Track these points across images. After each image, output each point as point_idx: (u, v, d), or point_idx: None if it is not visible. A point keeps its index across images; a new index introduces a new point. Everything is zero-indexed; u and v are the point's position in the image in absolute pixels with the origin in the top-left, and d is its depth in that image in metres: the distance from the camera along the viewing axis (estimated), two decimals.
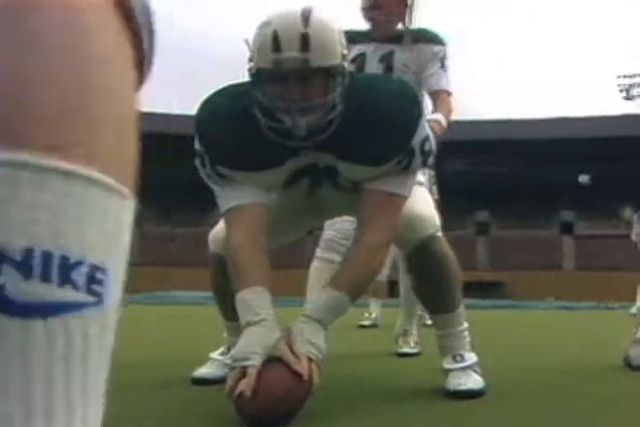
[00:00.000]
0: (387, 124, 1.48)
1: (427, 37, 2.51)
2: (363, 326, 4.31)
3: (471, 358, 1.74)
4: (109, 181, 0.34)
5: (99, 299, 0.33)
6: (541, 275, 23.36)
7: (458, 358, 1.73)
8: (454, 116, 2.52)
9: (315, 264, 2.75)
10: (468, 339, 1.77)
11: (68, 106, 0.33)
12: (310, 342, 1.39)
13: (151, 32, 0.41)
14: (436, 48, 2.51)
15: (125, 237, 0.36)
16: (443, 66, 2.49)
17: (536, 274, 23.29)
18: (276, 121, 1.47)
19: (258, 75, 1.45)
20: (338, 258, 2.62)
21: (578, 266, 24.79)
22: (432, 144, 1.56)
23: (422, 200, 1.75)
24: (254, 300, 1.45)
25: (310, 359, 1.37)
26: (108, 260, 0.34)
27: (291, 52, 1.41)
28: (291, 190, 1.65)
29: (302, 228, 1.94)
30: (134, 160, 0.38)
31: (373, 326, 4.35)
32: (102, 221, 0.34)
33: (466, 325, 1.78)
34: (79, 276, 0.32)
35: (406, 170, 1.53)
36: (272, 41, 1.41)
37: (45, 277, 0.30)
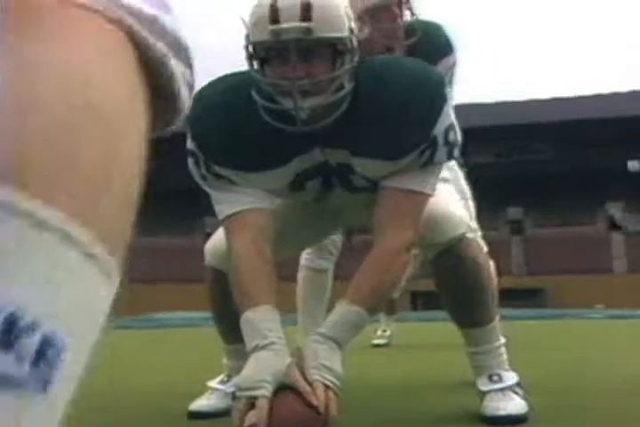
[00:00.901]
0: (405, 111, 1.48)
1: (438, 52, 2.26)
2: (377, 346, 4.24)
3: (511, 377, 1.73)
4: (87, 240, 0.32)
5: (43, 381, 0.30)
6: (588, 279, 23.23)
7: (495, 379, 1.72)
8: (476, 100, 2.48)
9: (302, 275, 2.72)
10: (505, 356, 1.76)
11: (62, 164, 0.32)
12: (325, 367, 1.39)
13: (189, 68, 0.41)
14: (451, 60, 2.30)
15: (99, 314, 0.34)
16: (450, 82, 2.29)
17: (581, 278, 23.17)
18: (276, 103, 1.48)
19: (255, 51, 1.46)
20: (327, 265, 2.63)
21: (631, 268, 24.62)
22: (457, 133, 1.56)
23: (449, 197, 1.75)
24: (262, 320, 1.45)
25: (326, 387, 1.37)
26: (68, 332, 0.31)
27: (291, 22, 1.41)
28: (298, 194, 1.65)
29: (313, 237, 1.94)
30: (127, 231, 0.36)
31: (387, 344, 4.29)
32: (71, 286, 0.32)
33: (502, 340, 1.77)
34: (28, 345, 0.29)
35: (429, 164, 1.53)
36: (270, 11, 1.42)
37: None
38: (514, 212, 26.95)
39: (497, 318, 1.78)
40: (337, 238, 2.62)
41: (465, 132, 1.60)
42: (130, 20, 0.37)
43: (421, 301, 17.12)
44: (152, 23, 0.38)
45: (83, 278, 0.32)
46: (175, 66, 0.40)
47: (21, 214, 0.30)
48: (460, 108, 2.35)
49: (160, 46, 0.38)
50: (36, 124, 0.32)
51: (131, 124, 0.36)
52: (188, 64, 0.41)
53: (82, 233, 0.32)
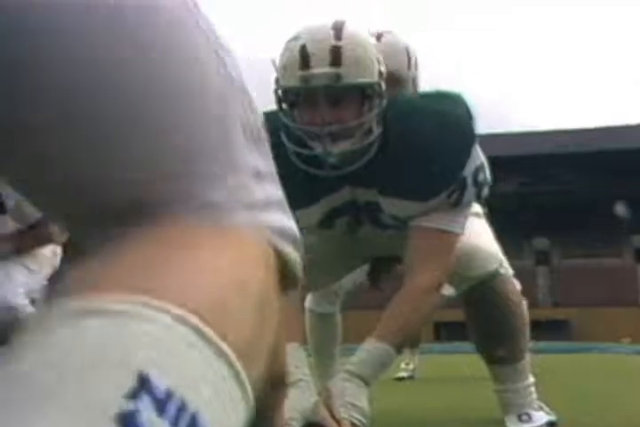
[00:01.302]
0: (433, 153, 1.50)
1: None
2: (400, 379, 4.19)
3: (540, 417, 1.72)
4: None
5: None
6: (614, 312, 22.88)
7: (524, 418, 1.72)
8: (501, 129, 2.48)
9: (309, 319, 2.64)
10: (534, 395, 1.76)
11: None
12: (353, 405, 1.40)
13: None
14: None
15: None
16: None
17: (608, 311, 22.83)
18: (305, 148, 1.50)
19: (284, 95, 1.48)
20: (332, 309, 2.53)
21: None
22: (487, 173, 1.57)
23: (481, 232, 1.76)
24: (288, 358, 1.46)
25: (353, 425, 1.38)
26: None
27: (321, 68, 1.43)
28: (328, 231, 1.67)
29: (344, 268, 1.95)
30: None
31: (411, 378, 4.25)
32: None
33: (532, 379, 1.77)
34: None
35: (458, 204, 1.54)
36: (300, 56, 1.44)
37: (175, 423, 0.32)
38: (540, 242, 26.70)
39: (527, 356, 1.77)
40: (344, 282, 2.52)
41: (489, 161, 1.61)
42: (270, 235, 0.45)
43: (445, 332, 16.95)
44: (282, 233, 0.47)
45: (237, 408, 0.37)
46: (295, 256, 0.49)
47: (209, 342, 0.35)
48: (483, 138, 2.36)
49: (289, 250, 0.47)
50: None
51: (275, 303, 0.44)
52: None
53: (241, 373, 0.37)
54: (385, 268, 2.06)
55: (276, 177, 0.50)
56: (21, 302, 2.60)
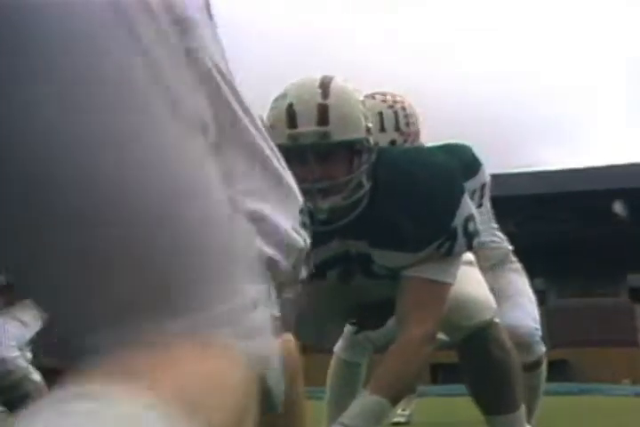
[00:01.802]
0: (422, 205, 1.52)
1: (464, 172, 1.90)
2: (396, 424, 4.13)
3: None
4: None
5: None
6: (612, 352, 22.71)
7: None
8: (497, 170, 2.52)
9: (333, 363, 2.65)
10: None
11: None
12: None
13: None
14: (479, 180, 2.20)
15: None
16: (480, 204, 2.19)
17: (606, 351, 22.66)
18: None
19: None
20: (359, 359, 2.49)
21: None
22: (477, 223, 1.58)
23: (474, 281, 1.77)
24: None
25: None
26: None
27: (308, 126, 1.45)
28: (320, 282, 1.67)
29: (340, 314, 1.94)
30: None
31: (407, 423, 4.19)
32: None
33: None
34: None
35: (449, 255, 1.56)
36: (287, 114, 1.46)
37: None
38: (535, 282, 26.56)
39: (522, 406, 1.76)
40: (373, 334, 2.52)
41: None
42: (258, 362, 0.49)
43: (442, 374, 16.76)
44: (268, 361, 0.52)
45: None
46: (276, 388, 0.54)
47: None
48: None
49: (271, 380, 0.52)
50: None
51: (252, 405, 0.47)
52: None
53: None
54: (376, 315, 2.05)
55: (273, 301, 0.54)
56: (12, 354, 2.58)
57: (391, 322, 1.91)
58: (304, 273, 0.86)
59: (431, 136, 2.37)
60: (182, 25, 0.68)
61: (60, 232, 0.41)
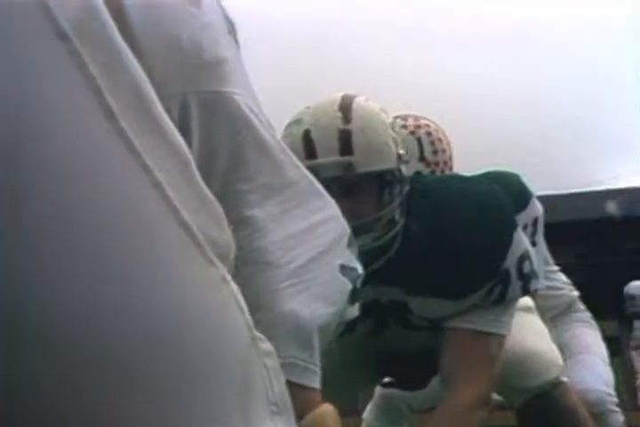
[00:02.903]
0: (467, 245, 1.51)
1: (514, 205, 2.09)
2: None
3: None
4: None
5: None
6: None
7: None
8: (552, 191, 2.46)
9: None
10: None
11: None
12: None
13: None
14: (531, 213, 2.19)
15: None
16: (534, 241, 2.16)
17: None
18: None
19: None
20: None
21: None
22: (533, 262, 1.57)
23: (534, 331, 1.76)
24: None
25: None
26: None
27: (329, 157, 1.45)
28: (349, 336, 1.67)
29: (363, 381, 1.94)
30: None
31: None
32: None
33: None
34: None
35: (501, 301, 1.55)
36: (304, 143, 1.45)
37: None
38: (607, 327, 26.15)
39: None
40: (411, 396, 2.48)
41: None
42: None
43: None
44: None
45: None
46: None
47: None
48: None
49: None
50: None
51: None
52: None
53: None
54: (416, 372, 2.04)
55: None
56: None
57: (434, 382, 1.92)
58: (351, 313, 0.92)
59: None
60: (213, 68, 0.77)
61: None
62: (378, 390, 2.48)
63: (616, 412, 2.33)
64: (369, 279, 1.58)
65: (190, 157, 0.54)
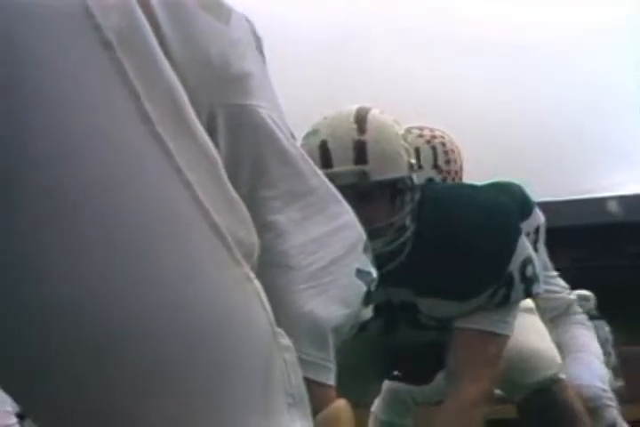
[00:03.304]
0: (474, 249, 1.56)
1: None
2: None
3: None
4: None
5: None
6: None
7: None
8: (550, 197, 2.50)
9: (370, 424, 2.71)
10: None
11: None
12: None
13: None
14: (533, 222, 2.25)
15: None
16: (536, 249, 2.18)
17: None
18: None
19: None
20: (401, 421, 2.58)
21: None
22: (536, 267, 1.62)
23: (535, 331, 1.80)
24: None
25: None
26: None
27: (345, 166, 1.50)
28: (362, 335, 1.73)
29: (375, 377, 1.99)
30: None
31: None
32: None
33: None
34: None
35: (505, 303, 1.60)
36: (320, 154, 1.50)
37: None
38: (602, 327, 26.00)
39: None
40: (417, 390, 2.51)
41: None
42: None
43: None
44: None
45: None
46: None
47: None
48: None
49: None
50: None
51: None
52: None
53: None
54: (423, 367, 2.09)
55: None
56: (10, 421, 2.67)
57: (438, 377, 1.98)
58: (365, 314, 0.97)
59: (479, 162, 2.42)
60: (239, 82, 0.81)
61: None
62: (385, 384, 2.54)
63: (611, 406, 2.41)
64: (381, 281, 1.64)
65: (218, 158, 0.56)
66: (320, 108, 1.64)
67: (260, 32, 0.95)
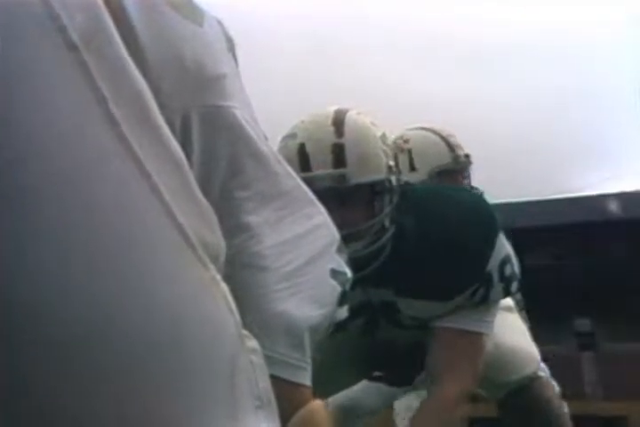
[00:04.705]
0: (453, 249, 1.55)
1: None
2: None
3: None
4: None
5: None
6: None
7: None
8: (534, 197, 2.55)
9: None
10: None
11: None
12: None
13: None
14: None
15: None
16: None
17: None
18: None
19: None
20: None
21: None
22: (514, 265, 1.61)
23: (515, 330, 1.80)
24: None
25: None
26: None
27: (323, 169, 1.48)
28: (339, 335, 1.71)
29: (355, 377, 1.98)
30: None
31: None
32: None
33: None
34: None
35: (484, 303, 1.59)
36: (299, 157, 1.49)
37: None
38: (581, 323, 26.14)
39: None
40: (368, 400, 2.51)
41: (523, 231, 1.66)
42: None
43: None
44: None
45: None
46: None
47: None
48: (511, 206, 2.43)
49: None
50: None
51: None
52: None
53: None
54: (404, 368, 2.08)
55: None
56: None
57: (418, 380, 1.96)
58: (341, 314, 0.96)
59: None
60: (213, 84, 0.80)
61: None
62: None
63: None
64: (362, 282, 1.63)
65: (185, 161, 0.55)
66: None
67: (250, 40, 0.94)
